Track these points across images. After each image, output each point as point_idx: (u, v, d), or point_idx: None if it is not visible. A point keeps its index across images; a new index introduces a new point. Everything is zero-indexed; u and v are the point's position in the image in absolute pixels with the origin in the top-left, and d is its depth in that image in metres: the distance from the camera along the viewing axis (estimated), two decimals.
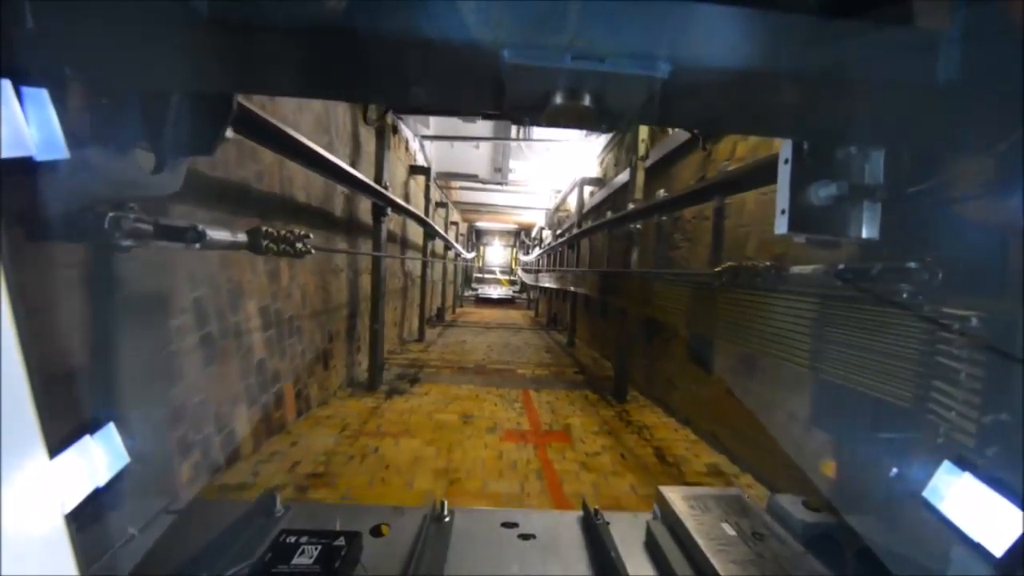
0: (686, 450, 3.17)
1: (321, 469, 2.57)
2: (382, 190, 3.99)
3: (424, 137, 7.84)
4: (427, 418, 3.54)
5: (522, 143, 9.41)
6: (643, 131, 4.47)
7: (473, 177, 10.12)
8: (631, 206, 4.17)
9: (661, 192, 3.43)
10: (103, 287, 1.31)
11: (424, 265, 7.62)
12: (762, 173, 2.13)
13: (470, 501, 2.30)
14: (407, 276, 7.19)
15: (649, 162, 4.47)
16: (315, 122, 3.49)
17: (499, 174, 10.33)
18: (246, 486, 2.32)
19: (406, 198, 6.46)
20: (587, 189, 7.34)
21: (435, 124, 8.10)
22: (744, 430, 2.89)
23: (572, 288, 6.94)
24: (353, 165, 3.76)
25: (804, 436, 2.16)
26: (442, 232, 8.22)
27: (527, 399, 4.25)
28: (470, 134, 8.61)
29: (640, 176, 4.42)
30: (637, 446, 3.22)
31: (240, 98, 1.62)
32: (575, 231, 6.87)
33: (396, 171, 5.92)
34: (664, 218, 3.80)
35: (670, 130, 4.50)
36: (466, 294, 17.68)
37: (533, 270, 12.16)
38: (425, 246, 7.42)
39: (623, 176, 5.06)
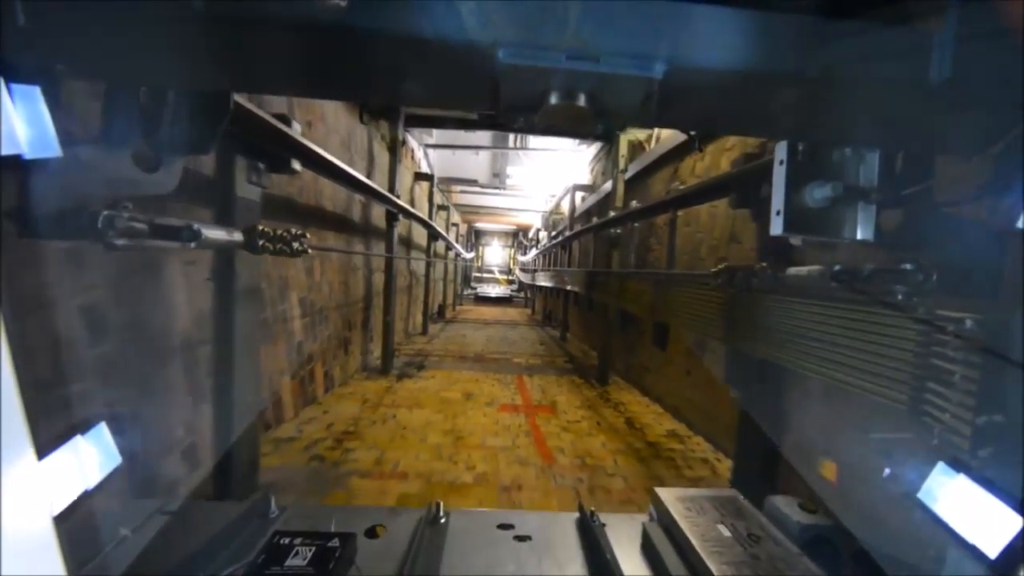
0: (652, 420, 3.78)
1: (351, 429, 3.17)
2: (395, 199, 4.59)
3: (428, 146, 8.45)
4: (434, 395, 4.14)
5: (519, 151, 10.00)
6: (623, 146, 5.07)
7: (473, 182, 10.75)
8: (611, 214, 4.77)
9: (633, 203, 4.03)
10: (225, 280, 1.91)
11: (427, 265, 8.21)
12: (706, 192, 2.76)
13: (471, 450, 2.90)
14: (412, 275, 7.80)
15: (628, 175, 5.07)
16: (340, 143, 4.09)
17: (497, 179, 10.97)
18: (294, 439, 2.92)
19: (411, 202, 7.04)
20: (578, 195, 7.95)
21: (438, 133, 8.70)
22: (699, 404, 3.49)
23: (565, 286, 7.54)
24: (368, 176, 4.35)
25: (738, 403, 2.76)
26: (444, 234, 8.81)
27: (521, 382, 4.86)
28: (471, 142, 9.20)
29: (620, 187, 5.02)
30: (611, 416, 3.83)
31: (299, 137, 2.18)
32: (567, 233, 7.47)
33: (404, 178, 6.51)
34: (636, 224, 4.40)
35: (647, 146, 5.11)
36: (465, 293, 18.26)
37: (530, 270, 12.67)
38: (428, 247, 8.04)
39: (608, 185, 5.66)
